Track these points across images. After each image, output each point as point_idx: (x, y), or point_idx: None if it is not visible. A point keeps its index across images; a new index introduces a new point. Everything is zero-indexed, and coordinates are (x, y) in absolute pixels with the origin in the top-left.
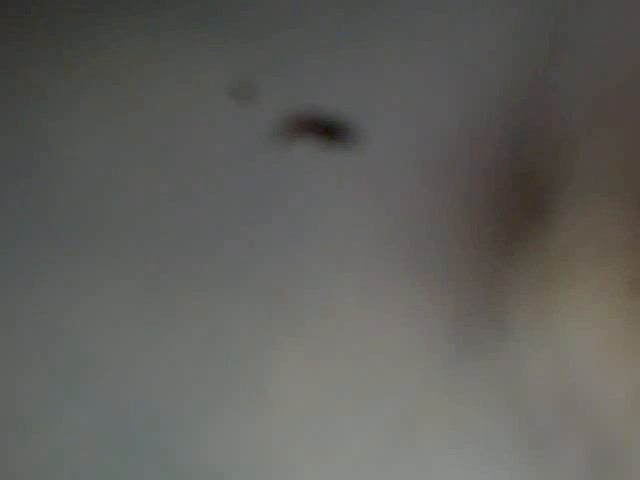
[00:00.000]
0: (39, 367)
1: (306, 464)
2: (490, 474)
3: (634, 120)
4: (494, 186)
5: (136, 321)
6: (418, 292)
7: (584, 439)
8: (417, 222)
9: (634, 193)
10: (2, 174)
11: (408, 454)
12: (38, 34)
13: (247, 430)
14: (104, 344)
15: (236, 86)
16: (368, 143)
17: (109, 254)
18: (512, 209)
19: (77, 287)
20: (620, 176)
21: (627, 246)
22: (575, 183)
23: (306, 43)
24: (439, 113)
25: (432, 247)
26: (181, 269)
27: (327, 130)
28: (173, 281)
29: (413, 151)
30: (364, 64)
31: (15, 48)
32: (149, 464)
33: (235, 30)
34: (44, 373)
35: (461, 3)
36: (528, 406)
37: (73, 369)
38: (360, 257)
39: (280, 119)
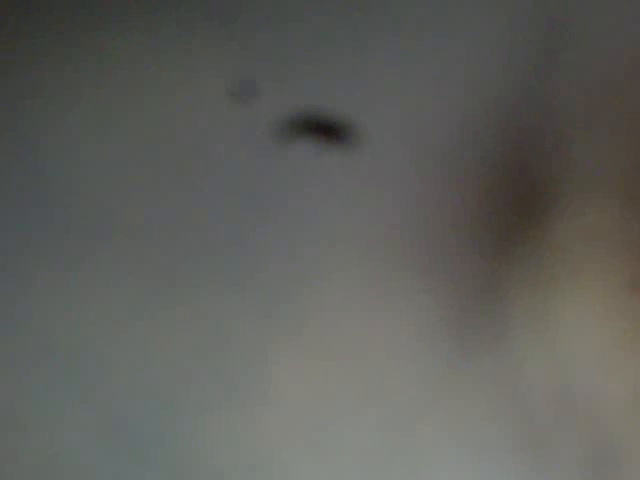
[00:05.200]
0: (39, 367)
1: (306, 464)
2: (490, 474)
3: (634, 120)
4: (494, 186)
5: (136, 321)
6: (418, 292)
7: (584, 439)
8: (417, 222)
9: (634, 193)
10: (2, 174)
11: (408, 453)
12: (38, 34)
13: (247, 430)
14: (104, 344)
15: (236, 86)
16: (368, 143)
17: (109, 254)
18: (512, 209)
19: (77, 287)
20: (619, 176)
21: (627, 246)
22: (574, 183)
23: (306, 43)
24: (439, 113)
25: (432, 247)
26: (181, 269)
27: (327, 130)
28: (173, 281)
29: (413, 151)
30: (364, 64)
31: (15, 48)
32: (149, 464)
33: (235, 30)
34: (44, 373)
35: (461, 3)
36: (528, 406)
37: (73, 369)
38: (360, 257)
39: (280, 119)
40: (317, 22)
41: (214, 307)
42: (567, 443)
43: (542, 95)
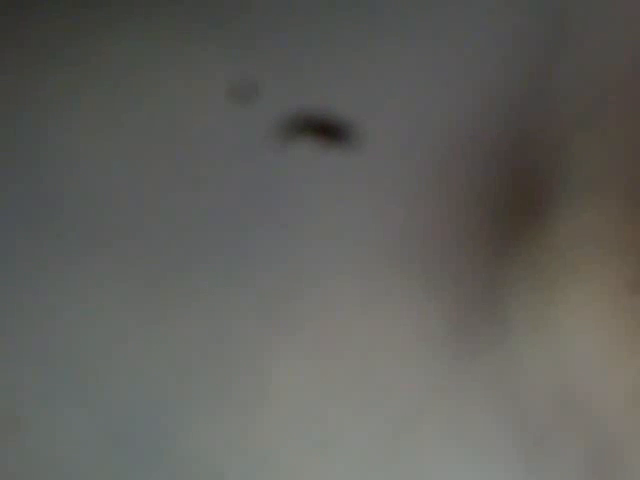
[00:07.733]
0: (39, 367)
1: (306, 464)
2: (490, 474)
3: (634, 119)
4: (494, 186)
5: (136, 321)
6: (418, 292)
7: (584, 439)
8: (417, 222)
9: (633, 193)
10: (2, 174)
11: (408, 454)
12: (38, 33)
13: (247, 430)
14: (104, 344)
15: (236, 86)
16: (368, 143)
17: (108, 254)
18: (512, 209)
19: (77, 287)
20: (619, 176)
21: (627, 246)
22: (575, 183)
23: (306, 43)
24: (439, 113)
25: (432, 247)
26: (181, 269)
27: (327, 130)
28: (173, 281)
29: (413, 151)
30: (364, 64)
31: (15, 48)
32: (149, 464)
33: (235, 30)
34: (44, 373)
35: (461, 3)
36: (528, 406)
37: (73, 369)
38: (360, 257)
39: (280, 119)
40: (317, 22)
41: (214, 307)
42: (567, 443)
43: (542, 95)
